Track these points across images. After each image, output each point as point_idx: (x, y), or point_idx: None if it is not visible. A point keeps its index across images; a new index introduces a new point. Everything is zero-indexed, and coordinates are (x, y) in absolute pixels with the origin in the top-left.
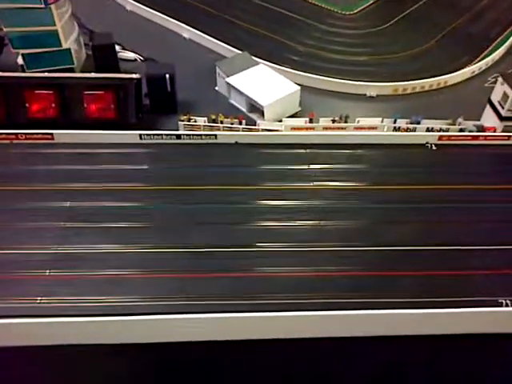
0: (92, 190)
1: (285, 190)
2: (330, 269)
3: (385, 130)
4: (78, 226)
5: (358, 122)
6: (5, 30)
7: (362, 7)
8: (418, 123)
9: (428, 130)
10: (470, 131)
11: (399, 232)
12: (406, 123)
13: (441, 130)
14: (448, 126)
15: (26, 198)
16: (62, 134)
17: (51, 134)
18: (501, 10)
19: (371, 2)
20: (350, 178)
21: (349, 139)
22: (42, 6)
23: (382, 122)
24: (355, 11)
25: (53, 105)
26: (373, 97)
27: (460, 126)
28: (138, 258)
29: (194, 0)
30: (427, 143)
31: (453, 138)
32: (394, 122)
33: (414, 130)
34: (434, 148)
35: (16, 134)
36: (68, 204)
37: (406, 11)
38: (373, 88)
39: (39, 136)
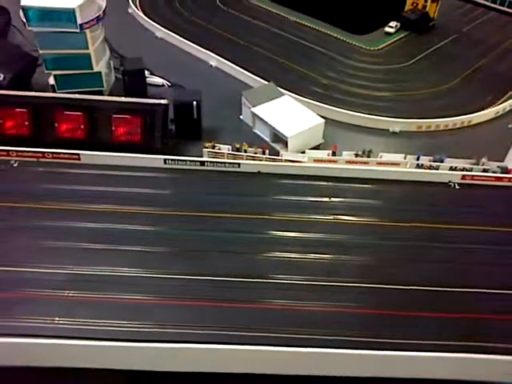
0: (115, 212)
1: (305, 222)
2: (348, 305)
3: (407, 166)
4: (99, 247)
5: (381, 157)
6: (40, 51)
7: (387, 43)
8: (442, 161)
9: (451, 168)
10: (494, 172)
11: (419, 271)
12: (429, 161)
13: (464, 169)
14: (471, 166)
15: (49, 217)
16: (88, 155)
17: (78, 154)
18: None
19: (396, 38)
20: (371, 213)
21: (371, 174)
22: (77, 30)
23: (405, 158)
24: (380, 47)
25: (81, 126)
26: (396, 132)
27: (484, 167)
28: (156, 284)
29: (222, 30)
30: (450, 182)
31: (476, 178)
32: (417, 159)
33: (437, 168)
34: (457, 187)
35: (43, 152)
36: (90, 225)
37: (430, 49)
38: (396, 124)
39: (66, 156)
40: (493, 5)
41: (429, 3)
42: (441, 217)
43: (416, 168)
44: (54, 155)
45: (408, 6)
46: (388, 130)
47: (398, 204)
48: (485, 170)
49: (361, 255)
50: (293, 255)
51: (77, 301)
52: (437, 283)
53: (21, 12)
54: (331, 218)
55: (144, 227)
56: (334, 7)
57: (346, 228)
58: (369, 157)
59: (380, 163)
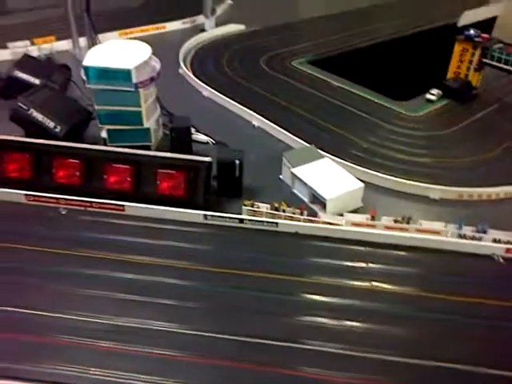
0: (154, 265)
1: (340, 287)
2: (379, 378)
3: (448, 235)
4: (135, 298)
5: (421, 224)
6: (96, 107)
7: (428, 110)
8: (484, 232)
9: (495, 240)
10: None
11: (458, 347)
12: (471, 231)
13: (509, 242)
14: None
15: (89, 265)
16: (132, 207)
17: (123, 205)
18: None
19: (437, 106)
20: (409, 282)
21: (410, 241)
22: (132, 89)
23: (446, 227)
24: (421, 114)
25: (128, 178)
26: (436, 200)
27: None
28: (187, 340)
29: (266, 91)
30: (493, 255)
31: None
32: (459, 229)
33: (480, 239)
34: (501, 260)
35: (91, 202)
36: (128, 275)
37: (472, 117)
38: (437, 191)
39: (111, 206)
40: None
41: (471, 72)
42: (482, 291)
43: (457, 238)
44: (101, 205)
45: (450, 75)
46: (428, 196)
47: (438, 274)
48: None
49: (396, 326)
50: (325, 320)
51: (110, 351)
52: (476, 362)
53: (82, 70)
54: (368, 284)
55: (180, 281)
56: (376, 74)
57: (382, 296)
58: (408, 223)
59: (420, 230)
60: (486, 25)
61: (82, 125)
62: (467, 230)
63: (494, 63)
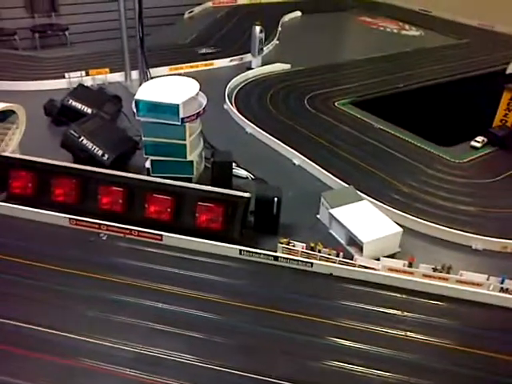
0: (185, 296)
1: (372, 334)
2: None
3: (490, 288)
4: (165, 329)
5: (461, 275)
6: (143, 138)
7: (473, 157)
8: None
9: None
10: None
11: None
12: None
13: None
14: None
15: (121, 291)
16: (170, 237)
17: (161, 235)
18: None
19: (482, 153)
20: (445, 335)
21: (449, 292)
22: (179, 123)
23: (488, 279)
24: (465, 160)
25: (168, 209)
26: (478, 250)
27: None
28: (213, 376)
29: (308, 130)
30: None
31: None
32: (502, 282)
33: None
34: None
35: (130, 229)
36: (160, 305)
37: None
38: (479, 241)
39: (150, 235)
40: None
41: None
42: None
43: (499, 292)
44: (140, 233)
45: (496, 122)
46: (470, 246)
47: (475, 329)
48: None
49: (428, 379)
50: (354, 367)
51: (136, 381)
52: None
53: (133, 103)
54: (401, 333)
55: (210, 315)
56: (420, 118)
57: (416, 346)
58: (448, 273)
59: (460, 281)
60: None
61: (128, 154)
62: (510, 284)
63: None
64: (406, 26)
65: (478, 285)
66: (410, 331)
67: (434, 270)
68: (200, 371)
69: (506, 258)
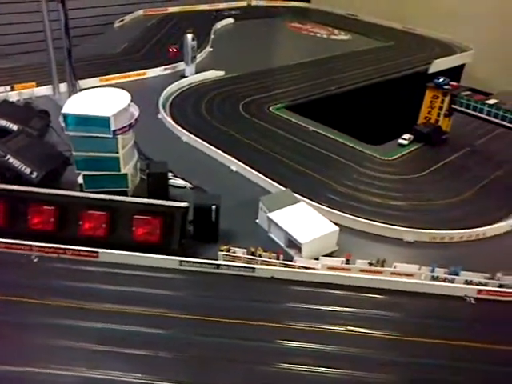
0: (127, 313)
1: (316, 332)
2: None
3: (422, 278)
4: (110, 349)
5: (395, 267)
6: (73, 153)
7: (401, 154)
8: (456, 274)
9: (466, 282)
10: (510, 287)
11: None
12: (444, 273)
13: (480, 283)
14: (487, 281)
15: (60, 315)
16: (106, 253)
17: (97, 252)
18: None
19: (409, 150)
20: (385, 326)
21: (385, 284)
22: (110, 136)
23: (420, 269)
24: (394, 157)
25: (103, 225)
26: (410, 242)
27: (500, 282)
28: None
29: (244, 136)
30: (466, 296)
31: (492, 293)
32: (432, 271)
33: (452, 281)
34: (472, 302)
35: (64, 249)
36: (101, 325)
37: (443, 161)
38: (410, 234)
39: (85, 253)
40: (502, 122)
41: (441, 118)
42: (456, 333)
43: (431, 280)
44: (75, 252)
45: (421, 120)
46: (402, 239)
47: (413, 317)
48: (501, 286)
49: (372, 371)
50: (301, 367)
51: None
52: None
53: (60, 117)
54: (343, 328)
55: (154, 330)
56: (350, 119)
57: (358, 340)
58: (383, 266)
59: (394, 273)
60: (455, 72)
61: (58, 170)
62: (440, 273)
63: (463, 109)
64: (335, 31)
65: (411, 275)
66: (352, 326)
67: (370, 264)
68: None
69: (435, 248)
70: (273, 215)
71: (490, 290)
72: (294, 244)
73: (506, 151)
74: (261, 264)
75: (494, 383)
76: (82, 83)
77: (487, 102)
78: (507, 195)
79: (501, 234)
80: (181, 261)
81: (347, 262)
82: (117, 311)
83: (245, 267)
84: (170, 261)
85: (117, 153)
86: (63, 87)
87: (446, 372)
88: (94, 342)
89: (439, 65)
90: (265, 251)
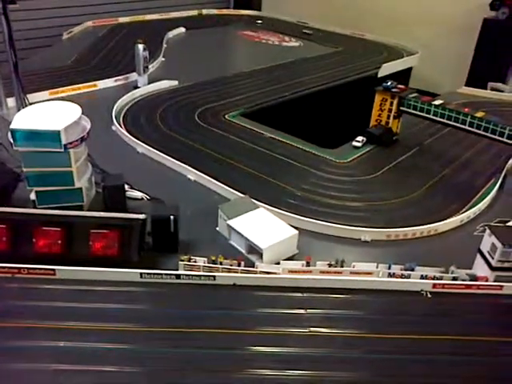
0: (88, 329)
1: (281, 336)
2: None
3: (380, 275)
4: (70, 368)
5: (354, 266)
6: (24, 169)
7: (355, 156)
8: (412, 270)
9: (422, 277)
10: (463, 280)
11: None
12: (400, 269)
13: (435, 277)
14: (441, 274)
15: (18, 336)
16: (63, 270)
17: (53, 269)
18: (482, 162)
19: (363, 151)
20: (347, 325)
21: (345, 284)
22: (62, 150)
23: (377, 267)
24: (349, 160)
25: (59, 241)
26: (367, 242)
27: (453, 275)
28: None
29: (201, 145)
30: (422, 290)
31: (447, 286)
32: (389, 268)
33: (409, 276)
34: (428, 296)
35: (19, 268)
36: (62, 344)
37: (395, 161)
38: (367, 233)
39: (41, 271)
40: (448, 121)
41: (391, 120)
42: (414, 327)
43: (388, 277)
44: (30, 271)
45: (372, 122)
46: (359, 239)
47: (373, 314)
48: (454, 278)
49: (337, 370)
50: (267, 372)
51: None
52: None
53: (9, 133)
54: (306, 330)
55: (117, 345)
56: (305, 124)
57: (322, 341)
58: (342, 266)
59: (353, 273)
60: (404, 75)
61: (9, 187)
62: (396, 269)
63: (411, 111)
64: (286, 38)
65: (370, 273)
66: (314, 327)
67: (330, 265)
68: None
69: (391, 246)
70: (232, 222)
71: (445, 284)
72: (254, 250)
73: (453, 150)
74: (222, 272)
75: (443, 371)
76: (31, 97)
77: (434, 102)
78: (456, 192)
79: (452, 229)
80: (141, 273)
81: (307, 264)
82: (79, 328)
83: (206, 276)
84: (130, 274)
85: (69, 167)
86: (11, 102)
87: (406, 365)
88: (54, 361)
89: (388, 68)
90: (226, 259)
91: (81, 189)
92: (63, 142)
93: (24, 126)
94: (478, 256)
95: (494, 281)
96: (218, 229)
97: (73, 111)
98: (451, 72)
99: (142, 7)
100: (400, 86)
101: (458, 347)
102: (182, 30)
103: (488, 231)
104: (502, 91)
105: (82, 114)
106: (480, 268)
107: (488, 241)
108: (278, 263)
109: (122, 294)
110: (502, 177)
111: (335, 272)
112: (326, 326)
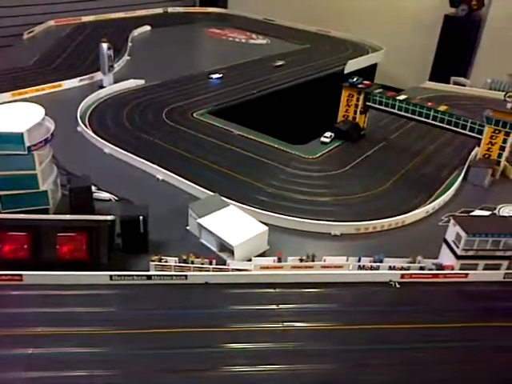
0: (57, 335)
1: (254, 332)
2: None
3: (350, 268)
4: (40, 375)
5: (325, 260)
6: None
7: (324, 152)
8: (381, 261)
9: (390, 268)
10: (430, 269)
11: (372, 376)
12: (370, 261)
13: (402, 268)
14: (409, 264)
15: None
16: (31, 275)
17: (20, 275)
18: (446, 154)
19: (331, 147)
20: (319, 318)
21: (316, 278)
22: (25, 152)
23: (347, 260)
24: (317, 155)
25: (25, 246)
26: (337, 235)
27: (420, 264)
28: None
29: (169, 144)
30: (391, 281)
31: (414, 276)
32: (359, 261)
33: (378, 268)
34: (397, 286)
35: None
36: (31, 351)
37: (362, 155)
38: (337, 227)
39: (8, 277)
40: (412, 116)
41: (358, 115)
42: (385, 317)
43: (358, 269)
44: None
45: (340, 118)
46: (330, 233)
47: (345, 306)
48: (422, 268)
49: (312, 363)
50: (239, 368)
51: None
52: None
53: None
54: (280, 325)
55: (88, 349)
56: (274, 120)
57: (295, 335)
58: (313, 261)
59: (324, 266)
60: (369, 71)
61: None
62: (366, 261)
63: (377, 106)
64: (253, 35)
65: (340, 267)
66: (287, 321)
67: (301, 260)
68: None
69: (361, 239)
70: (203, 221)
71: (413, 274)
72: (226, 247)
73: (418, 143)
74: (193, 271)
75: (415, 359)
76: None
77: (398, 97)
78: (421, 184)
79: (418, 221)
80: (111, 275)
81: (279, 260)
82: (47, 334)
83: (177, 275)
84: (100, 276)
85: (34, 169)
86: None
87: (379, 355)
88: (23, 369)
89: (353, 65)
90: (197, 257)
91: (46, 192)
92: (26, 144)
93: None
94: (444, 246)
95: (460, 269)
96: (188, 228)
97: (36, 112)
98: (415, 67)
99: (106, 5)
100: (365, 81)
101: (427, 335)
102: (148, 28)
103: (452, 221)
104: (463, 85)
105: (46, 115)
106: (446, 257)
107: (453, 230)
108: (250, 260)
109: (92, 297)
110: (466, 168)
111: (306, 267)
112: (299, 321)
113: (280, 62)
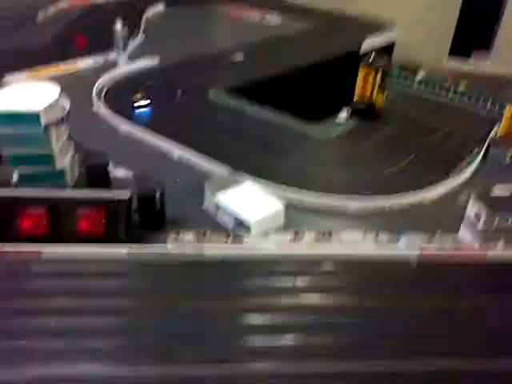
0: (78, 308)
1: (271, 306)
2: None
3: (368, 245)
4: (62, 346)
5: (342, 237)
6: (4, 151)
7: (341, 131)
8: (399, 240)
9: (408, 246)
10: (450, 247)
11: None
12: (388, 240)
13: (421, 247)
14: (428, 244)
15: (8, 316)
16: (50, 250)
17: (40, 250)
18: (466, 133)
19: (349, 126)
20: (336, 293)
21: (333, 254)
22: (42, 131)
23: (365, 237)
24: (335, 134)
25: (44, 222)
26: (355, 213)
27: (439, 242)
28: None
29: (185, 122)
30: (409, 259)
31: (433, 254)
32: (376, 238)
33: (395, 246)
34: (415, 264)
35: (3, 250)
36: (53, 323)
37: (380, 134)
38: (354, 204)
39: (27, 252)
40: (431, 95)
41: (375, 94)
42: (402, 293)
43: (375, 246)
44: (16, 252)
45: (357, 97)
46: (346, 211)
47: (360, 283)
48: (441, 246)
49: (327, 336)
50: (256, 339)
51: None
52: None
53: None
54: (297, 300)
55: (107, 320)
56: (292, 99)
57: (312, 309)
58: (330, 237)
59: (341, 243)
60: (387, 50)
61: None
62: (384, 240)
63: (395, 85)
64: (267, 16)
65: (358, 244)
66: (305, 297)
67: (318, 236)
68: (116, 381)
69: (378, 217)
70: (219, 198)
71: (431, 252)
72: (242, 224)
73: (435, 121)
74: (210, 247)
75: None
76: (9, 78)
77: (417, 77)
78: (440, 162)
79: (436, 199)
80: (129, 250)
81: (296, 236)
82: (68, 306)
83: (194, 252)
84: (118, 251)
85: (50, 148)
86: None
87: (395, 327)
88: (48, 339)
89: (370, 43)
90: (213, 234)
91: (63, 169)
92: (43, 123)
93: (2, 108)
94: (464, 223)
95: (480, 247)
96: (204, 205)
97: (51, 92)
98: (434, 43)
99: None
100: (383, 60)
101: (445, 310)
102: (161, 7)
103: (473, 198)
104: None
105: (62, 94)
106: (465, 234)
107: (473, 208)
108: (266, 236)
109: (110, 271)
110: (485, 146)
111: (324, 243)
112: (315, 296)
113: (238, 58)
